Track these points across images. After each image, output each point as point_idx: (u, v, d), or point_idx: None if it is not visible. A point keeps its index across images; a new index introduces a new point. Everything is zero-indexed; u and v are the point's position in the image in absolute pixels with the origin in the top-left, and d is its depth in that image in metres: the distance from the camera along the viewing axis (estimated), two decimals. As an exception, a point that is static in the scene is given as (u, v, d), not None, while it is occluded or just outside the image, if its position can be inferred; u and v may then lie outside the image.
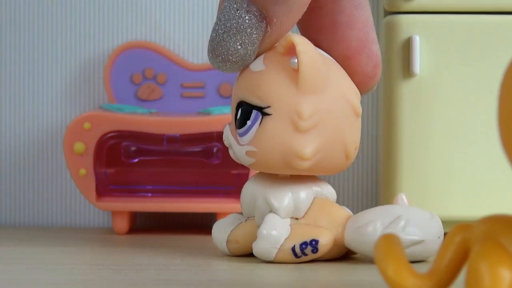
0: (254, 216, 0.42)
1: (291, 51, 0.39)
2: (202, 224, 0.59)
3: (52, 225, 0.59)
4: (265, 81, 0.39)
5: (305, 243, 0.40)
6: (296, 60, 0.39)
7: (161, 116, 0.53)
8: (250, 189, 0.41)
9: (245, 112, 0.39)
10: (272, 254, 0.40)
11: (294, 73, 0.39)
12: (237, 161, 0.41)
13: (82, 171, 0.52)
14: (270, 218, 0.40)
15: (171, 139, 0.53)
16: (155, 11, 0.59)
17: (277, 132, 0.39)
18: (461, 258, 0.27)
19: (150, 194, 0.53)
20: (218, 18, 0.39)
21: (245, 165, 0.41)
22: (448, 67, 0.48)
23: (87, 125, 0.52)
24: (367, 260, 0.41)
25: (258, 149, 0.39)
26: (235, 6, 0.38)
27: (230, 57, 0.39)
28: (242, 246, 0.42)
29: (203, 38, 0.59)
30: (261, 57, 0.40)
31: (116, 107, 0.54)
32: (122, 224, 0.53)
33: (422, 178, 0.48)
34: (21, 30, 0.59)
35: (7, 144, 0.59)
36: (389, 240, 0.28)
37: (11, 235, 0.53)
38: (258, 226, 0.41)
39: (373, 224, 0.40)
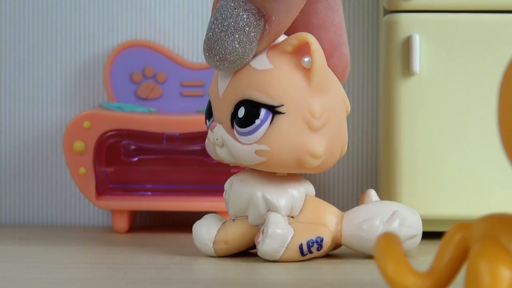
0: (243, 216, 0.41)
1: (301, 50, 0.39)
2: (202, 223, 0.59)
3: (52, 224, 0.59)
4: (275, 80, 0.39)
5: (311, 241, 0.40)
6: (307, 59, 0.39)
7: (160, 114, 0.53)
8: (244, 187, 0.41)
9: (251, 110, 0.39)
10: (279, 253, 0.40)
11: (305, 71, 0.39)
12: (228, 160, 0.40)
13: (82, 170, 0.52)
14: (274, 217, 0.40)
15: (171, 138, 0.52)
16: (155, 10, 0.59)
17: (290, 130, 0.39)
18: (461, 256, 0.27)
19: (149, 193, 0.53)
20: (215, 17, 0.39)
21: (246, 164, 0.40)
22: (448, 66, 0.48)
23: (86, 123, 0.52)
24: (368, 258, 0.41)
25: (271, 148, 0.39)
26: (232, 4, 0.38)
27: (228, 56, 0.39)
28: (231, 246, 0.41)
29: (203, 37, 0.59)
30: (264, 55, 0.39)
31: (115, 106, 0.54)
32: (122, 223, 0.53)
33: (421, 177, 0.48)
34: (21, 29, 0.59)
35: (7, 143, 0.59)
36: (389, 239, 0.28)
37: (11, 234, 0.52)
38: (253, 225, 0.41)
39: (372, 221, 0.40)
